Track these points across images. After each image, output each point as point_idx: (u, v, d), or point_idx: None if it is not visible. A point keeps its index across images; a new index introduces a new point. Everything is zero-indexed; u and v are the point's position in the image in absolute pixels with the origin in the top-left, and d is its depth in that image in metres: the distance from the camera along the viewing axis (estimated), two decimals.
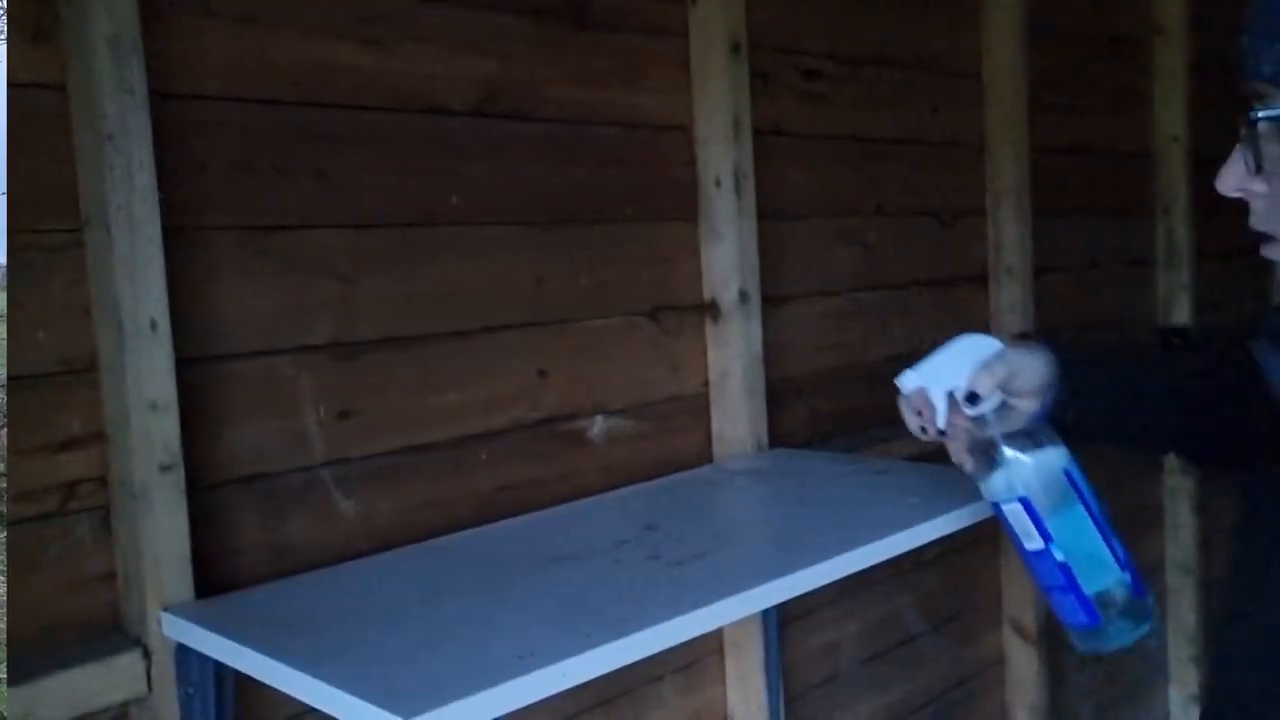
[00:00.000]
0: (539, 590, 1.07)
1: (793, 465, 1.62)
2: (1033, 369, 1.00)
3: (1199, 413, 1.05)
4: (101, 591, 1.10)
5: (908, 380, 1.04)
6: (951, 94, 2.18)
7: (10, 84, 1.05)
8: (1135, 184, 2.78)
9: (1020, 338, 1.06)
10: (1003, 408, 0.99)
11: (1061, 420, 1.01)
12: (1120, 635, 0.98)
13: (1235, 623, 0.88)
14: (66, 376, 1.08)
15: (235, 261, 1.19)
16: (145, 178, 1.06)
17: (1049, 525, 0.97)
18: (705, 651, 1.69)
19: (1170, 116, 2.79)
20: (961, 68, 2.21)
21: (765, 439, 1.71)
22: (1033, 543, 0.98)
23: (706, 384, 1.69)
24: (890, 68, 2.04)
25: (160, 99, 1.11)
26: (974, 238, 2.26)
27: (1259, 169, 0.73)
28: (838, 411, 1.93)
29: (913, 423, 1.05)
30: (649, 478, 1.58)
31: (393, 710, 0.81)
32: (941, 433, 1.02)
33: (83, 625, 1.09)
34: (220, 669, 1.07)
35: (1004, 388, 0.99)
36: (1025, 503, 0.97)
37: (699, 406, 1.69)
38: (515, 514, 1.40)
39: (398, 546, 1.28)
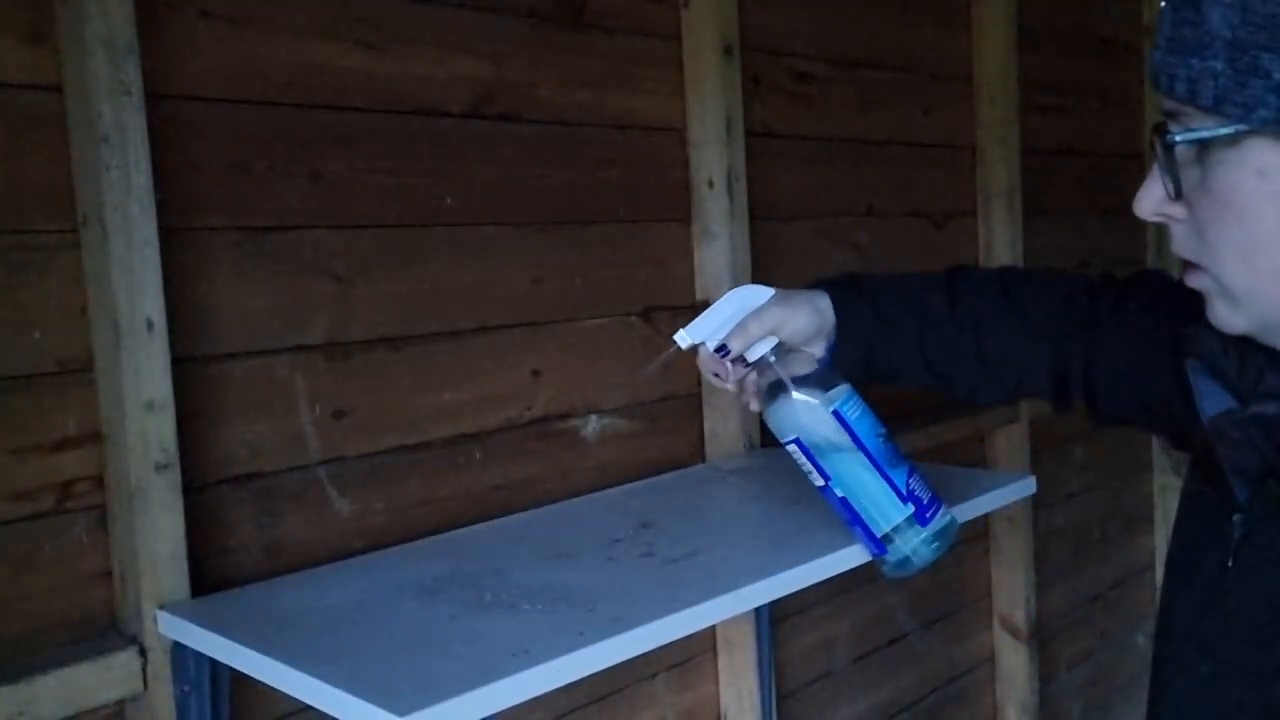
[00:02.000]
0: (533, 588, 1.08)
1: (785, 464, 1.61)
2: (799, 319, 1.03)
3: (953, 350, 1.05)
4: (97, 590, 1.11)
5: (682, 337, 1.07)
6: (942, 96, 2.20)
7: (6, 85, 1.05)
8: (1125, 185, 2.79)
9: (824, 283, 1.10)
10: (783, 352, 1.04)
11: (852, 367, 1.05)
12: (922, 556, 1.06)
13: (1173, 657, 0.81)
14: (62, 376, 1.08)
15: (231, 262, 1.20)
16: (141, 178, 1.07)
17: (824, 464, 1.03)
18: (698, 649, 1.70)
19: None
20: (952, 69, 2.22)
21: (757, 438, 1.72)
22: (816, 480, 1.05)
23: (699, 383, 1.70)
24: (881, 70, 2.05)
25: (156, 100, 1.11)
26: (965, 238, 2.27)
27: (1178, 194, 0.68)
28: None
29: (705, 373, 1.09)
30: (642, 477, 1.58)
31: (388, 708, 0.81)
32: (732, 381, 1.07)
33: (79, 623, 1.09)
34: (216, 667, 1.07)
35: (778, 334, 1.03)
36: (799, 444, 1.03)
37: (692, 406, 1.70)
38: (509, 513, 1.40)
39: (393, 545, 1.28)
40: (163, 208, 1.10)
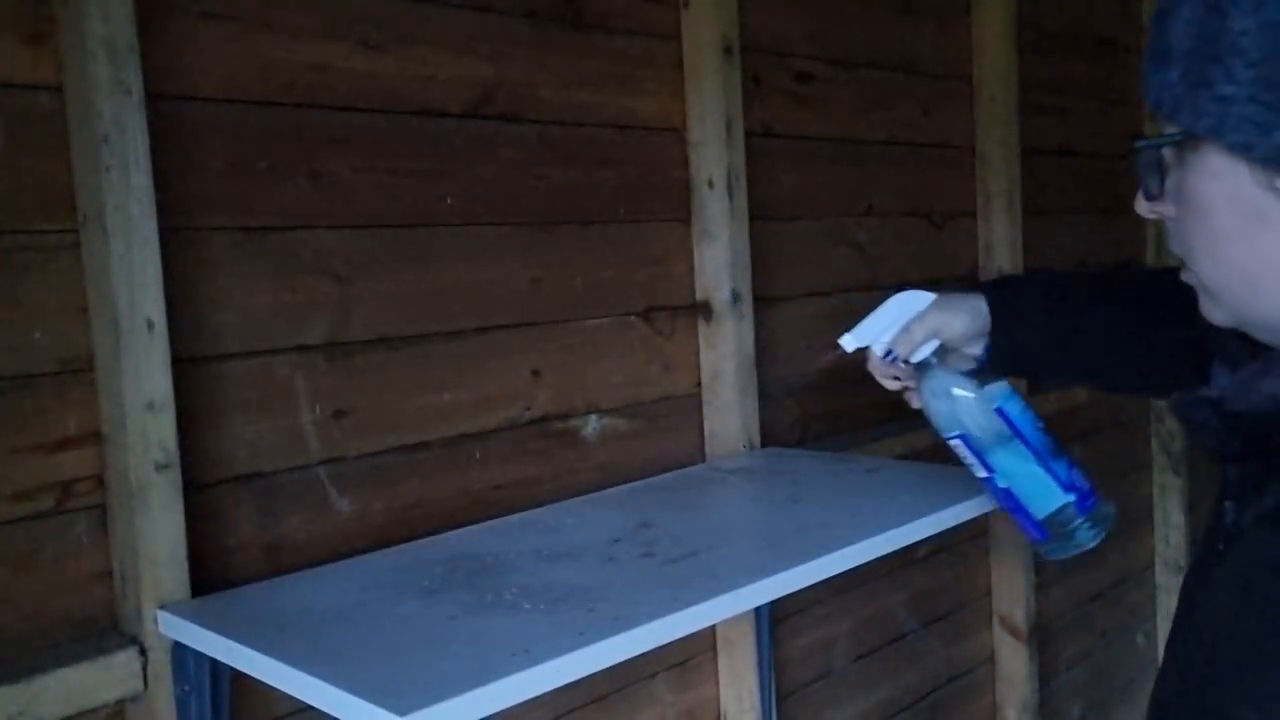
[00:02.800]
0: (533, 588, 1.08)
1: (784, 464, 1.63)
2: (961, 322, 1.09)
3: (1123, 349, 1.10)
4: (98, 590, 1.11)
5: (848, 341, 1.14)
6: (942, 96, 2.20)
7: (6, 85, 1.05)
8: (1125, 185, 2.79)
9: (973, 284, 1.18)
10: (943, 352, 1.10)
11: (1008, 364, 1.10)
12: (1081, 540, 1.11)
13: (1173, 636, 0.83)
14: (63, 376, 1.08)
15: (231, 262, 1.20)
16: (141, 178, 1.07)
17: (988, 458, 1.09)
18: (698, 649, 1.70)
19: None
20: (952, 70, 2.22)
21: (757, 438, 1.72)
22: (979, 472, 1.10)
23: (699, 384, 1.70)
24: (881, 70, 2.05)
25: (156, 100, 1.11)
26: (965, 238, 2.27)
27: (1151, 195, 0.73)
28: (829, 411, 1.94)
29: (875, 376, 1.16)
30: (642, 477, 1.59)
31: (388, 707, 0.81)
32: (896, 383, 1.15)
33: (79, 623, 1.09)
34: (216, 667, 1.07)
35: (939, 337, 1.09)
36: (963, 439, 1.09)
37: (691, 406, 1.70)
38: (509, 513, 1.40)
39: (393, 545, 1.28)
40: (163, 208, 1.10)
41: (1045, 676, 2.46)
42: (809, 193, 1.90)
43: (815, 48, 1.91)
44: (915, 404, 1.14)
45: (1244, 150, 0.65)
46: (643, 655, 0.97)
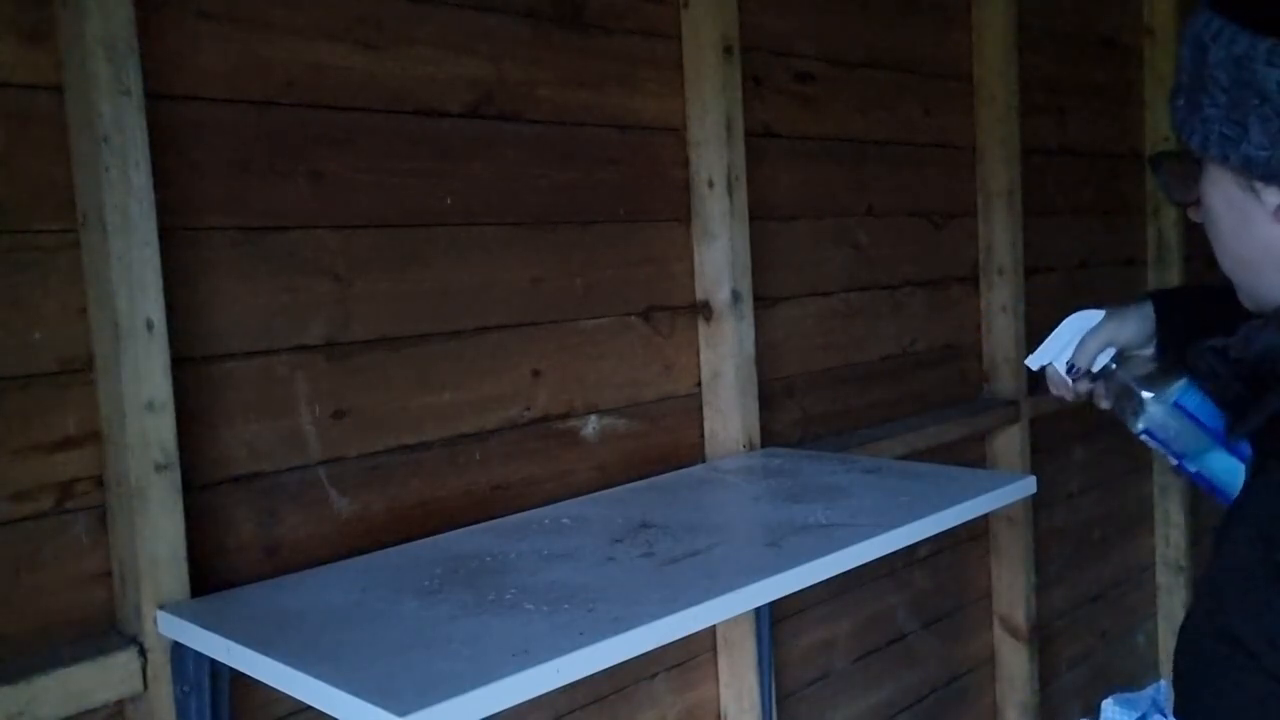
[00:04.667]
0: (533, 588, 1.08)
1: (784, 464, 1.63)
2: (1131, 328, 1.19)
3: None
4: (97, 590, 1.11)
5: (1033, 361, 1.24)
6: (942, 96, 2.20)
7: (6, 85, 1.05)
8: (1125, 185, 2.79)
9: (1149, 293, 1.27)
10: (1121, 360, 1.19)
11: (1177, 356, 1.16)
12: None
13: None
14: (63, 376, 1.08)
15: (231, 262, 1.20)
16: (141, 178, 1.07)
17: (1174, 447, 1.16)
18: (698, 649, 1.70)
19: (1161, 118, 2.80)
20: (952, 70, 2.22)
21: (757, 438, 1.72)
22: (1170, 460, 1.17)
23: (699, 384, 1.70)
24: (881, 70, 2.05)
25: (156, 100, 1.11)
26: (965, 238, 2.27)
27: (1175, 201, 0.83)
28: (829, 411, 1.94)
29: (1054, 389, 1.24)
30: (642, 477, 1.58)
31: (388, 708, 0.81)
32: (1080, 394, 1.23)
33: (79, 623, 1.09)
34: (215, 667, 1.07)
35: (1114, 345, 1.19)
36: (1149, 433, 1.16)
37: (692, 406, 1.70)
38: (509, 513, 1.40)
39: (392, 545, 1.28)
40: (163, 208, 1.10)
41: (1045, 676, 2.46)
42: (809, 193, 1.90)
43: (815, 48, 1.91)
44: (1104, 405, 1.23)
45: (1223, 161, 0.78)
46: (643, 655, 0.97)
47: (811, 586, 1.14)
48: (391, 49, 1.33)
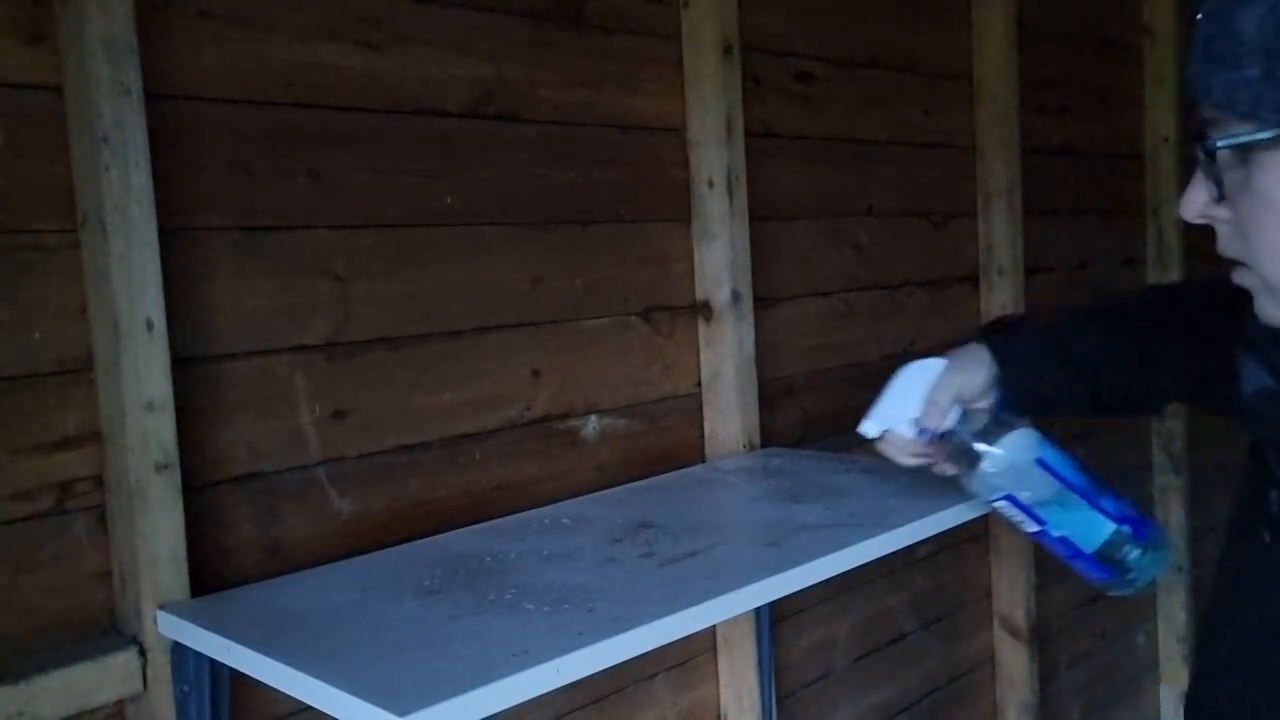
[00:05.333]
0: (533, 588, 1.08)
1: (785, 464, 1.63)
2: (973, 376, 1.08)
3: (1121, 364, 1.11)
4: (97, 590, 1.11)
5: (870, 428, 1.12)
6: (942, 95, 2.20)
7: (6, 85, 1.05)
8: (1125, 185, 2.79)
9: (970, 334, 1.14)
10: (964, 415, 1.08)
11: (1025, 402, 1.09)
12: (1146, 570, 1.07)
13: (1218, 622, 0.89)
14: (62, 376, 1.08)
15: (231, 262, 1.20)
16: (141, 178, 1.07)
17: (1037, 511, 1.06)
18: (698, 649, 1.70)
19: (1160, 118, 2.81)
20: (952, 69, 2.22)
21: (757, 438, 1.72)
22: (1030, 527, 1.07)
23: (699, 384, 1.70)
24: (881, 69, 2.05)
25: (156, 100, 1.11)
26: (965, 238, 2.27)
27: (1221, 197, 0.71)
28: (830, 411, 1.94)
29: (897, 459, 1.13)
30: (642, 477, 1.58)
31: (388, 708, 0.81)
32: (924, 459, 1.11)
33: (78, 623, 1.09)
34: (215, 667, 1.07)
35: (963, 399, 1.07)
36: (1010, 499, 1.06)
37: (692, 406, 1.70)
38: (509, 513, 1.40)
39: (392, 545, 1.28)
40: (163, 208, 1.09)
41: (1045, 677, 2.46)
42: (809, 193, 1.90)
43: (815, 48, 1.91)
44: (948, 473, 1.12)
45: None
46: (643, 655, 0.97)
47: (811, 586, 1.13)
48: (391, 49, 1.33)
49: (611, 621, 0.97)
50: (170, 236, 1.12)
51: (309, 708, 0.91)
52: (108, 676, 1.06)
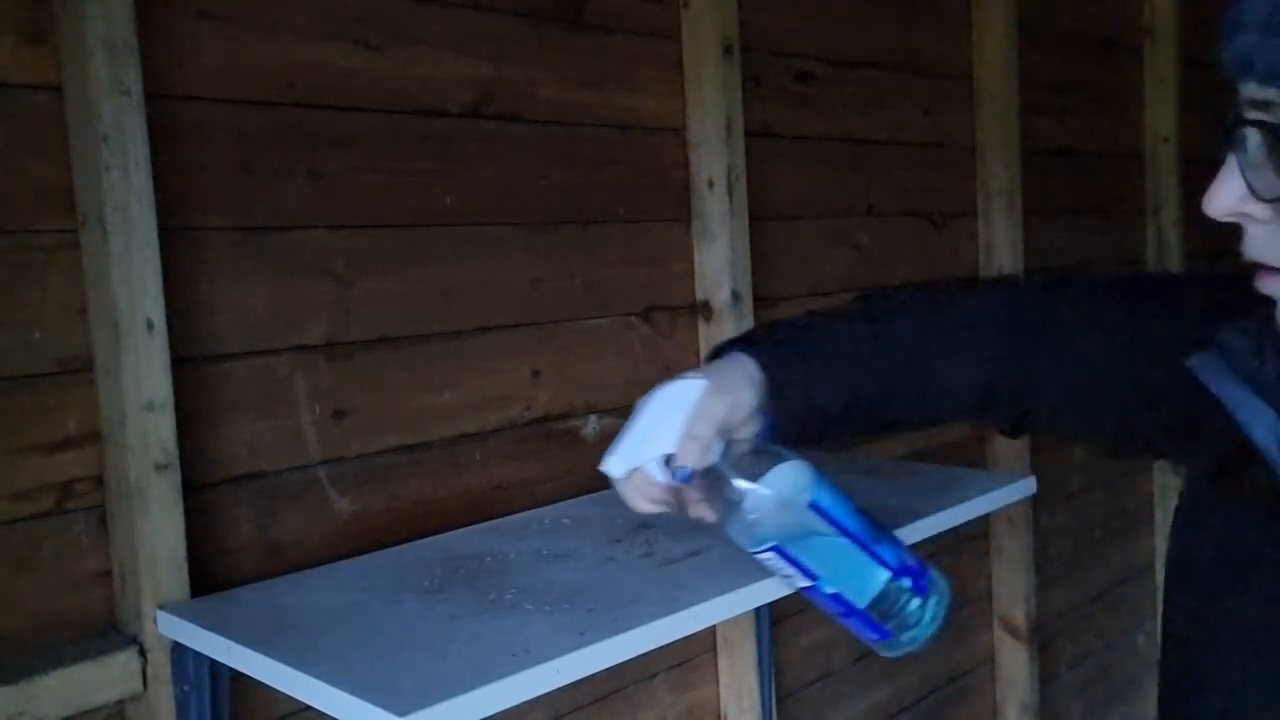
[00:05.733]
0: (533, 588, 1.08)
1: None
2: (740, 397, 0.86)
3: (902, 373, 0.92)
4: (97, 590, 1.11)
5: (615, 466, 0.89)
6: (942, 96, 2.20)
7: (6, 85, 1.05)
8: (1125, 185, 2.79)
9: (732, 344, 0.93)
10: (726, 446, 0.87)
11: (799, 425, 0.89)
12: (925, 625, 0.93)
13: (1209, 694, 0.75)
14: (63, 376, 1.08)
15: (231, 262, 1.20)
16: (141, 178, 1.07)
17: (809, 564, 0.87)
18: (698, 649, 1.70)
19: (1160, 118, 2.80)
20: (952, 70, 2.22)
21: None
22: (800, 582, 0.88)
23: None
24: (882, 70, 2.05)
25: (156, 100, 1.11)
26: (965, 238, 2.27)
27: (1258, 195, 0.61)
28: None
29: (640, 504, 0.89)
30: None
31: (388, 708, 0.81)
32: (678, 503, 0.89)
33: (79, 623, 1.09)
34: (215, 667, 1.07)
35: (729, 429, 0.86)
36: (778, 550, 0.87)
37: None
38: (509, 513, 1.40)
39: (392, 545, 1.28)
40: (163, 208, 1.10)
41: (1045, 677, 2.46)
42: (809, 193, 1.90)
43: (815, 48, 1.91)
44: (708, 519, 0.89)
45: None
46: (643, 655, 0.97)
47: None
48: (391, 49, 1.33)
49: (611, 621, 0.97)
50: (170, 236, 1.12)
51: (309, 708, 0.91)
52: (108, 676, 1.06)
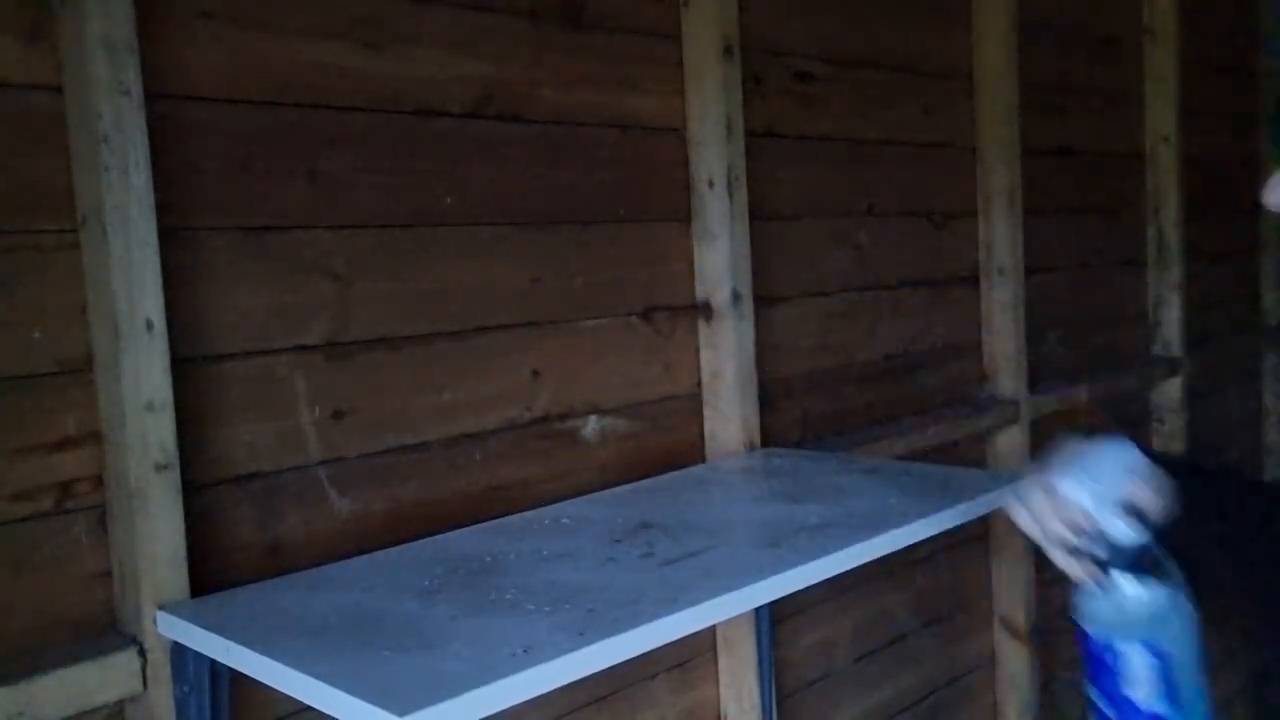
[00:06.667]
0: (533, 588, 1.08)
1: (785, 465, 1.63)
2: (1162, 502, 0.85)
3: None
4: (97, 590, 1.11)
5: (1069, 487, 0.86)
6: (943, 95, 2.19)
7: (6, 85, 1.05)
8: (1126, 184, 2.79)
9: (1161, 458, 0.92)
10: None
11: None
12: None
13: None
14: (62, 376, 1.08)
15: (230, 262, 1.20)
16: (141, 178, 1.07)
17: (1174, 678, 0.79)
18: (698, 649, 1.70)
19: (1161, 117, 2.80)
20: (953, 69, 2.22)
21: (757, 438, 1.72)
22: (1137, 693, 0.80)
23: (699, 384, 1.70)
24: (882, 70, 2.05)
25: (156, 100, 1.11)
26: (965, 238, 2.27)
27: None
28: (829, 411, 1.94)
29: (1036, 528, 0.90)
30: (642, 477, 1.58)
31: (388, 708, 0.81)
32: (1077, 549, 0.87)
33: (78, 624, 1.09)
34: (215, 667, 1.07)
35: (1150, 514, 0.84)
36: (1151, 648, 0.79)
37: (692, 406, 1.70)
38: (509, 513, 1.40)
39: (392, 545, 1.28)
40: (163, 208, 1.10)
41: (1046, 677, 2.46)
42: (810, 193, 1.90)
43: (815, 48, 1.91)
44: (1091, 585, 0.89)
45: None
46: (643, 655, 0.97)
47: (811, 586, 1.13)
48: (391, 49, 1.33)
49: (611, 621, 0.97)
50: (170, 236, 1.12)
51: (309, 708, 0.91)
52: (108, 677, 1.06)
